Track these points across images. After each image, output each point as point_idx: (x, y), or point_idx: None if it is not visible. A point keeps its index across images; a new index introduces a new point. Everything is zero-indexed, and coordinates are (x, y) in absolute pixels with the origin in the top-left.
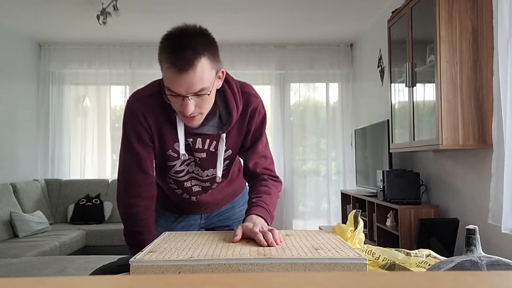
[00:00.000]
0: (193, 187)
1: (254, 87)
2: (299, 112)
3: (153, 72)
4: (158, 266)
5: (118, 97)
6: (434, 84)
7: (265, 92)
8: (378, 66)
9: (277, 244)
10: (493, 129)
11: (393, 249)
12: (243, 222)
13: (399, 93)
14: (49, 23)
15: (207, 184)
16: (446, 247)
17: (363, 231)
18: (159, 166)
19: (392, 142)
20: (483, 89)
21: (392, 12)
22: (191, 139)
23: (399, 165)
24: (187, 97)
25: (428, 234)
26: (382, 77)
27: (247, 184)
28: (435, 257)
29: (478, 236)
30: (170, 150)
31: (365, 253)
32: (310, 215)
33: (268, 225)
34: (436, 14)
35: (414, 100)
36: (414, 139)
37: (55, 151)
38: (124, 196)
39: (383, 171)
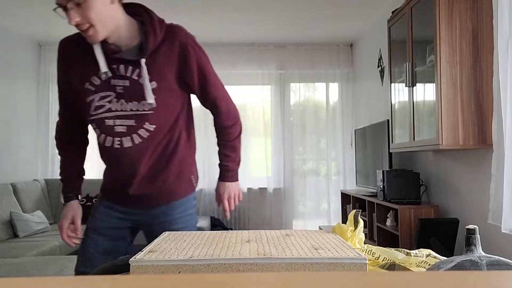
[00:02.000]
0: (115, 127)
1: (254, 87)
2: (299, 112)
3: None
4: (158, 266)
5: None
6: (434, 84)
7: (265, 92)
8: (378, 66)
9: (230, 207)
10: (493, 129)
11: (393, 249)
12: (217, 187)
13: (399, 93)
14: (49, 23)
15: (133, 122)
16: (446, 247)
17: (363, 231)
18: (82, 111)
19: (392, 142)
20: (483, 89)
21: (392, 12)
22: (115, 66)
23: (399, 165)
24: (66, 6)
25: (428, 234)
26: (382, 77)
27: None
28: (435, 257)
29: (478, 236)
30: (88, 83)
31: (365, 253)
32: (310, 215)
33: (236, 175)
34: (436, 14)
35: (414, 100)
36: (414, 139)
37: (55, 151)
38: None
39: (383, 171)
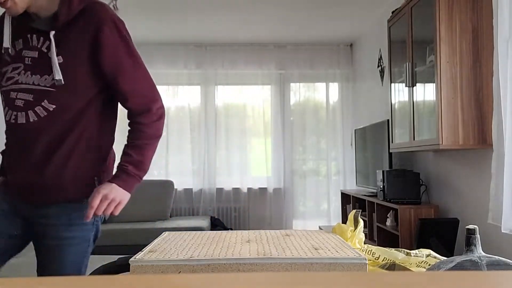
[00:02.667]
0: (16, 100)
1: (254, 87)
2: (299, 112)
3: (152, 72)
4: (158, 266)
5: None
6: (434, 84)
7: (265, 92)
8: (378, 66)
9: (97, 209)
10: (493, 129)
11: (393, 249)
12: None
13: (399, 93)
14: None
15: (31, 97)
16: (446, 247)
17: (363, 231)
18: None
19: (392, 142)
20: (483, 89)
21: (392, 12)
22: (29, 35)
23: (399, 165)
24: None
25: (428, 234)
26: (382, 77)
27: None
28: (435, 257)
29: (478, 236)
30: (6, 54)
31: (365, 253)
32: (310, 215)
33: (131, 184)
34: (436, 14)
35: (414, 100)
36: (414, 139)
37: None
38: None
39: (383, 171)
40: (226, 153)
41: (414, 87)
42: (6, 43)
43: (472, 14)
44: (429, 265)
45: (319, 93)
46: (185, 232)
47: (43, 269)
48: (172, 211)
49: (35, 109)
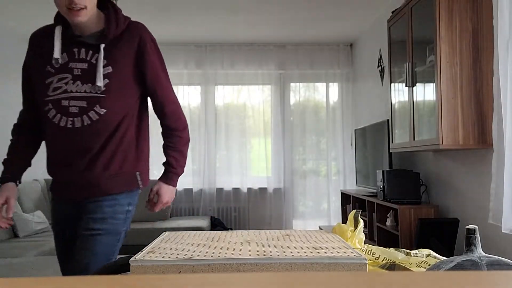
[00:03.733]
0: (70, 108)
1: (254, 87)
2: (299, 112)
3: None
4: (158, 266)
5: None
6: (434, 84)
7: (265, 92)
8: (378, 66)
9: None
10: (493, 129)
11: (393, 249)
12: (158, 187)
13: (399, 93)
14: (49, 23)
15: (85, 104)
16: (446, 247)
17: (363, 231)
18: (39, 93)
19: (392, 142)
20: (483, 89)
21: (392, 12)
22: (76, 49)
23: (399, 165)
24: None
25: (428, 234)
26: (382, 77)
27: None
28: (435, 257)
29: (478, 236)
30: (48, 66)
31: (365, 253)
32: (310, 215)
33: (177, 180)
34: (436, 14)
35: (414, 100)
36: (414, 139)
37: None
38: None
39: (383, 171)
40: (226, 153)
41: (414, 87)
42: (57, 54)
43: (472, 14)
44: (429, 265)
45: (319, 93)
46: (185, 232)
47: (75, 257)
48: (172, 211)
49: (89, 114)
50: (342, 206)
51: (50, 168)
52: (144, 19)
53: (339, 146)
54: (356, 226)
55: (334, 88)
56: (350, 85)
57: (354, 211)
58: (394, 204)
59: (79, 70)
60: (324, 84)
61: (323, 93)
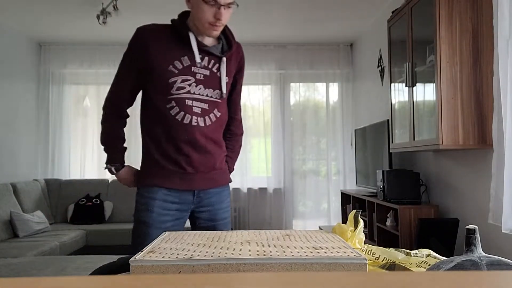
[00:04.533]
0: (193, 107)
1: (254, 87)
2: (299, 112)
3: None
4: (158, 266)
5: None
6: (434, 84)
7: (265, 92)
8: (378, 66)
9: None
10: (493, 129)
11: (393, 249)
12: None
13: (399, 93)
14: (49, 23)
15: (206, 106)
16: (446, 247)
17: (363, 231)
18: (160, 90)
19: (392, 142)
20: (483, 89)
21: (392, 12)
22: (200, 56)
23: (399, 165)
24: (223, 6)
25: (428, 234)
26: (382, 77)
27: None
28: (435, 257)
29: (478, 236)
30: (171, 66)
31: (365, 253)
32: (310, 215)
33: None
34: (436, 14)
35: (414, 100)
36: (414, 139)
37: (55, 151)
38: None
39: (383, 171)
40: None
41: (414, 87)
42: (198, 58)
43: (472, 14)
44: (429, 265)
45: (319, 93)
46: (185, 232)
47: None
48: None
49: (210, 115)
50: (342, 206)
51: (162, 165)
52: (144, 19)
53: (339, 146)
54: (356, 226)
55: (334, 88)
56: (350, 85)
57: (354, 211)
58: (394, 204)
59: (202, 75)
60: (324, 84)
61: (323, 93)
